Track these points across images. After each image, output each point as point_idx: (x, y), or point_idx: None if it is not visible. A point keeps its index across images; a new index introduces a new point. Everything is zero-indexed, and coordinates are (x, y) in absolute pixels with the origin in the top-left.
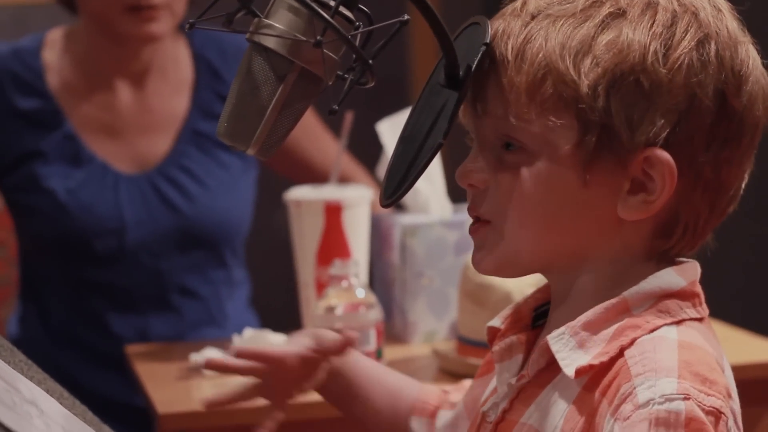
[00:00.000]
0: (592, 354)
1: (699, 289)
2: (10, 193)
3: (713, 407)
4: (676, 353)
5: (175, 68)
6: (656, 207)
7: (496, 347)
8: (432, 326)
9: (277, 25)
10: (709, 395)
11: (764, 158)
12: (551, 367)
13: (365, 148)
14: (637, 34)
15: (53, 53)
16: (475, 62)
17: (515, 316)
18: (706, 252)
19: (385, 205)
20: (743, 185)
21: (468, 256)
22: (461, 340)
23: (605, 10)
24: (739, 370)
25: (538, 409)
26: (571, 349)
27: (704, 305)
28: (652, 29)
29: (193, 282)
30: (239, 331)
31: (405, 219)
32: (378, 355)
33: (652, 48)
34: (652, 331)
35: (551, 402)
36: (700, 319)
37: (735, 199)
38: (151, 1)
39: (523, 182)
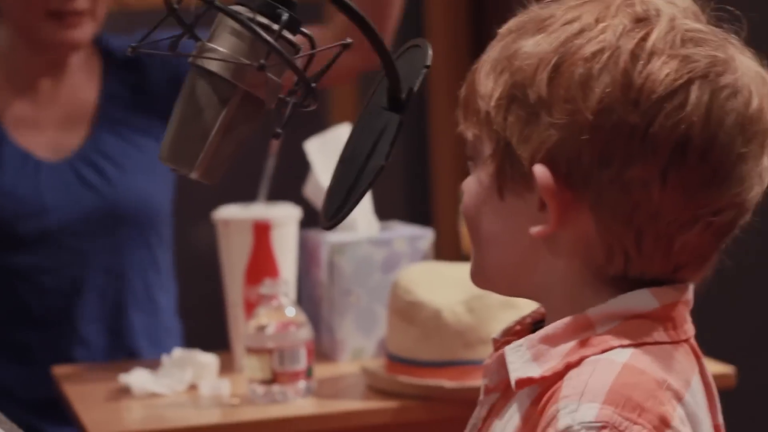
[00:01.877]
0: (545, 368)
1: (677, 312)
2: None
3: None
4: (613, 376)
5: (85, 62)
6: (552, 224)
7: (486, 361)
8: (360, 344)
9: (220, 48)
10: (635, 423)
11: None
12: None
13: (291, 167)
14: (540, 47)
15: None
16: (416, 85)
17: (515, 329)
18: None
19: (326, 227)
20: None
21: (395, 274)
22: (390, 357)
23: (558, 24)
24: None
25: (499, 425)
26: (525, 361)
27: (682, 329)
28: (555, 43)
29: (118, 263)
30: (170, 329)
31: (332, 237)
32: (308, 373)
33: (545, 61)
34: (604, 351)
35: (508, 417)
36: (672, 343)
37: (686, 226)
38: (74, 7)
39: (466, 195)
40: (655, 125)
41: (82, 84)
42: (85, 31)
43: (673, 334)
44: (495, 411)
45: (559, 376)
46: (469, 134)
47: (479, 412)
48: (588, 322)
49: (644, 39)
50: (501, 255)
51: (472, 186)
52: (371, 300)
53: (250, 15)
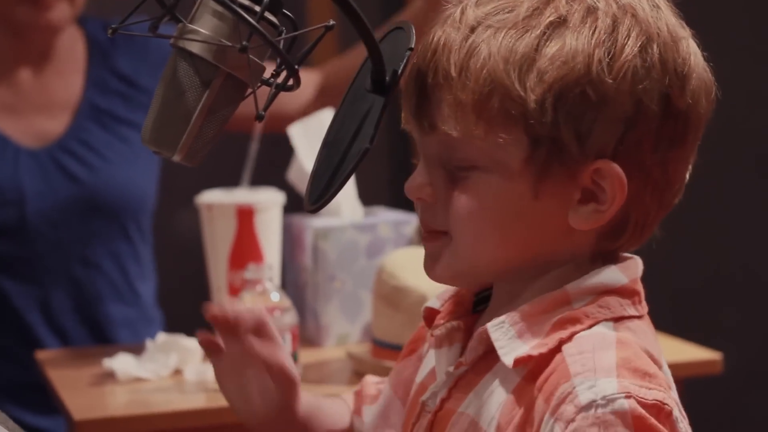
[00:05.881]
0: (531, 344)
1: (640, 287)
2: None
3: (656, 400)
4: (614, 351)
5: (70, 49)
6: (607, 216)
7: (437, 331)
8: (345, 329)
9: (202, 30)
10: (650, 389)
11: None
12: (489, 355)
13: (275, 151)
14: (580, 43)
15: None
16: (401, 67)
17: (456, 299)
18: None
19: (310, 211)
20: (687, 176)
21: (379, 259)
22: (376, 342)
23: (546, 18)
24: None
25: (475, 398)
26: (510, 338)
27: (644, 303)
28: (595, 37)
29: (97, 253)
30: (151, 319)
31: (316, 222)
32: (294, 358)
33: (596, 57)
34: (591, 326)
35: (489, 391)
36: (639, 317)
37: (680, 192)
38: None
39: (475, 198)
40: (694, 107)
41: (66, 71)
42: (62, 12)
43: (640, 308)
44: (463, 385)
45: (553, 352)
46: (484, 143)
47: (443, 382)
48: (566, 298)
49: (666, 24)
50: (513, 251)
51: (488, 190)
52: (356, 285)
53: None
